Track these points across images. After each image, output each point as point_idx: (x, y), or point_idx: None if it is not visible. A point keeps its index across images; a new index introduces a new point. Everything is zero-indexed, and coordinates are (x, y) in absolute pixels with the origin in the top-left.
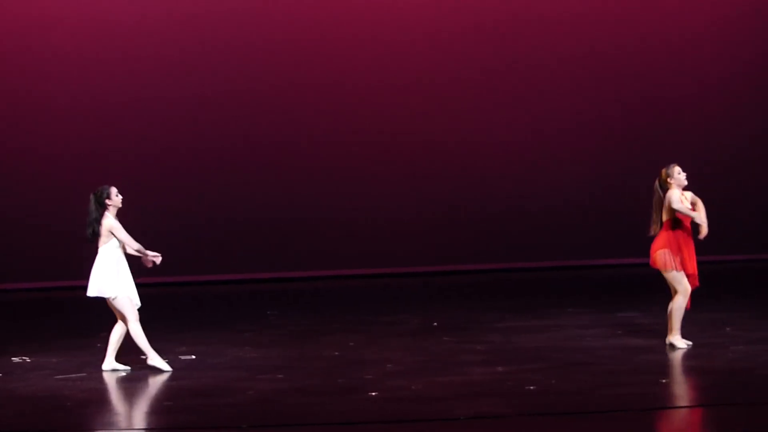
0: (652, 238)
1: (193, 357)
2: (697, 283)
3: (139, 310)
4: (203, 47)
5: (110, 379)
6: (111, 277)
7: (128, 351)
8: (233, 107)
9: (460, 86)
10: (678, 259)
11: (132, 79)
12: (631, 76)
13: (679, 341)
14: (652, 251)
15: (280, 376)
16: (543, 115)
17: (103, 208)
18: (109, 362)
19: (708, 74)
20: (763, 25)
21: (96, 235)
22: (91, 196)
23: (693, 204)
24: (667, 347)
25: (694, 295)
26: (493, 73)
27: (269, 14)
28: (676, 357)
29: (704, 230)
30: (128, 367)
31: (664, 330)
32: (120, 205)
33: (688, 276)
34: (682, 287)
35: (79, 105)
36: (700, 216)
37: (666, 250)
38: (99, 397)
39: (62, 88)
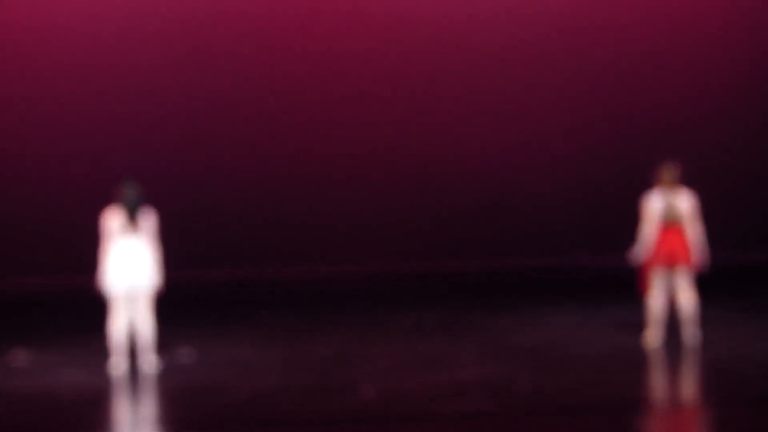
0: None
1: (187, 357)
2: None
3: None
4: (206, 51)
5: (107, 379)
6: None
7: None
8: (232, 110)
9: (455, 88)
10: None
11: (132, 80)
12: (629, 76)
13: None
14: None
15: (273, 375)
16: (537, 115)
17: None
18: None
19: (703, 75)
20: (759, 24)
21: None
22: (136, 188)
23: None
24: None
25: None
26: (487, 72)
27: (273, 20)
28: (667, 357)
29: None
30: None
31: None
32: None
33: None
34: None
35: (79, 107)
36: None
37: None
38: (96, 397)
39: (59, 91)
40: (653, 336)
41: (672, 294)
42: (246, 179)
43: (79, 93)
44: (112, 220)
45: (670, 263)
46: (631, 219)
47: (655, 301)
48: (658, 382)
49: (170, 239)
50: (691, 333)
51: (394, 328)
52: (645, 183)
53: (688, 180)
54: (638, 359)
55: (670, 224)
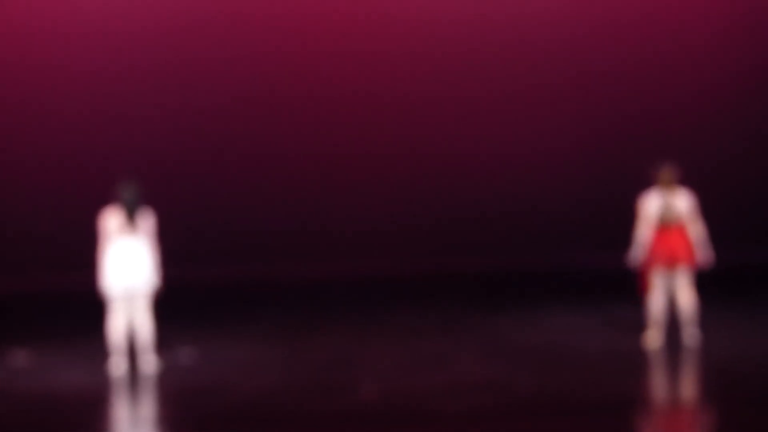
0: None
1: (187, 357)
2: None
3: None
4: (205, 51)
5: (107, 379)
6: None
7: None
8: (231, 110)
9: (455, 89)
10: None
11: (131, 80)
12: (629, 76)
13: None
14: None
15: (273, 375)
16: (537, 115)
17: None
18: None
19: (703, 75)
20: (759, 24)
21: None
22: (134, 188)
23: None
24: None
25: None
26: (487, 73)
27: (273, 21)
28: (668, 357)
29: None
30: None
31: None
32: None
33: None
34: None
35: (78, 107)
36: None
37: None
38: (96, 397)
39: (58, 91)
40: (653, 336)
41: (672, 294)
42: (246, 179)
43: (77, 93)
44: (111, 220)
45: (671, 263)
46: (632, 219)
47: (656, 302)
48: (658, 382)
49: (169, 239)
50: (691, 333)
51: (394, 328)
52: (645, 183)
53: (688, 180)
54: (638, 359)
55: (668, 224)
